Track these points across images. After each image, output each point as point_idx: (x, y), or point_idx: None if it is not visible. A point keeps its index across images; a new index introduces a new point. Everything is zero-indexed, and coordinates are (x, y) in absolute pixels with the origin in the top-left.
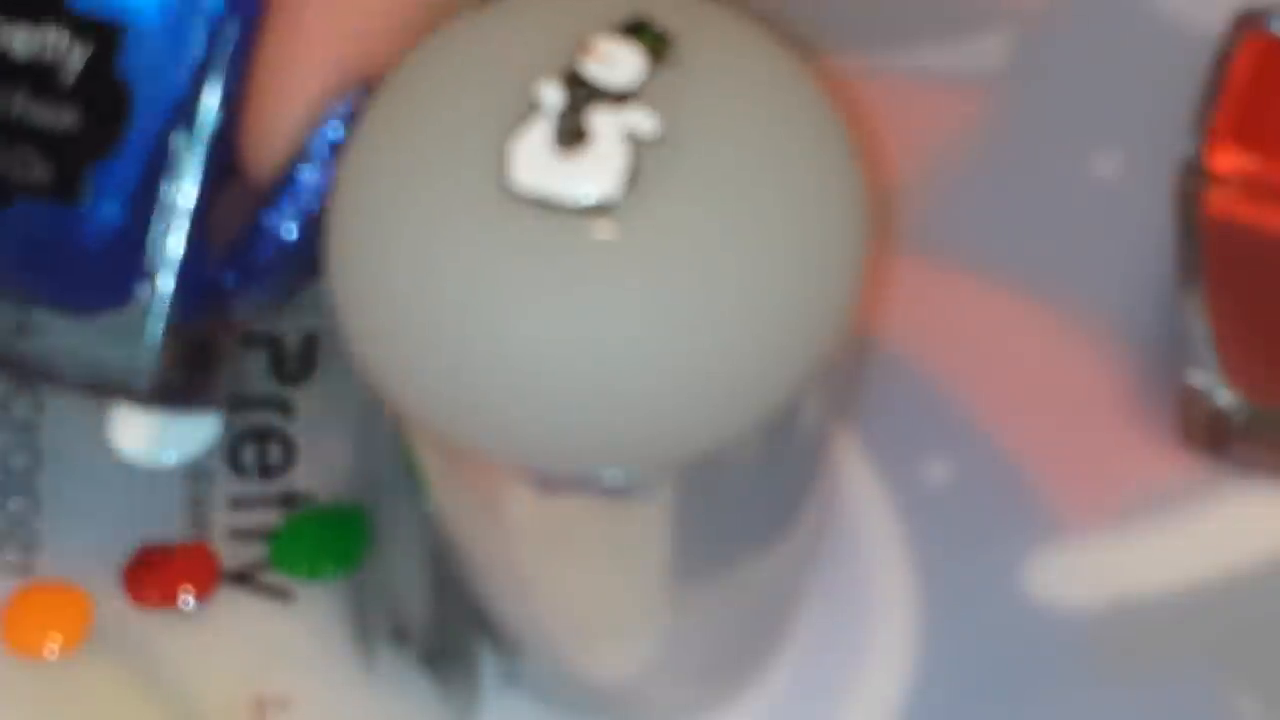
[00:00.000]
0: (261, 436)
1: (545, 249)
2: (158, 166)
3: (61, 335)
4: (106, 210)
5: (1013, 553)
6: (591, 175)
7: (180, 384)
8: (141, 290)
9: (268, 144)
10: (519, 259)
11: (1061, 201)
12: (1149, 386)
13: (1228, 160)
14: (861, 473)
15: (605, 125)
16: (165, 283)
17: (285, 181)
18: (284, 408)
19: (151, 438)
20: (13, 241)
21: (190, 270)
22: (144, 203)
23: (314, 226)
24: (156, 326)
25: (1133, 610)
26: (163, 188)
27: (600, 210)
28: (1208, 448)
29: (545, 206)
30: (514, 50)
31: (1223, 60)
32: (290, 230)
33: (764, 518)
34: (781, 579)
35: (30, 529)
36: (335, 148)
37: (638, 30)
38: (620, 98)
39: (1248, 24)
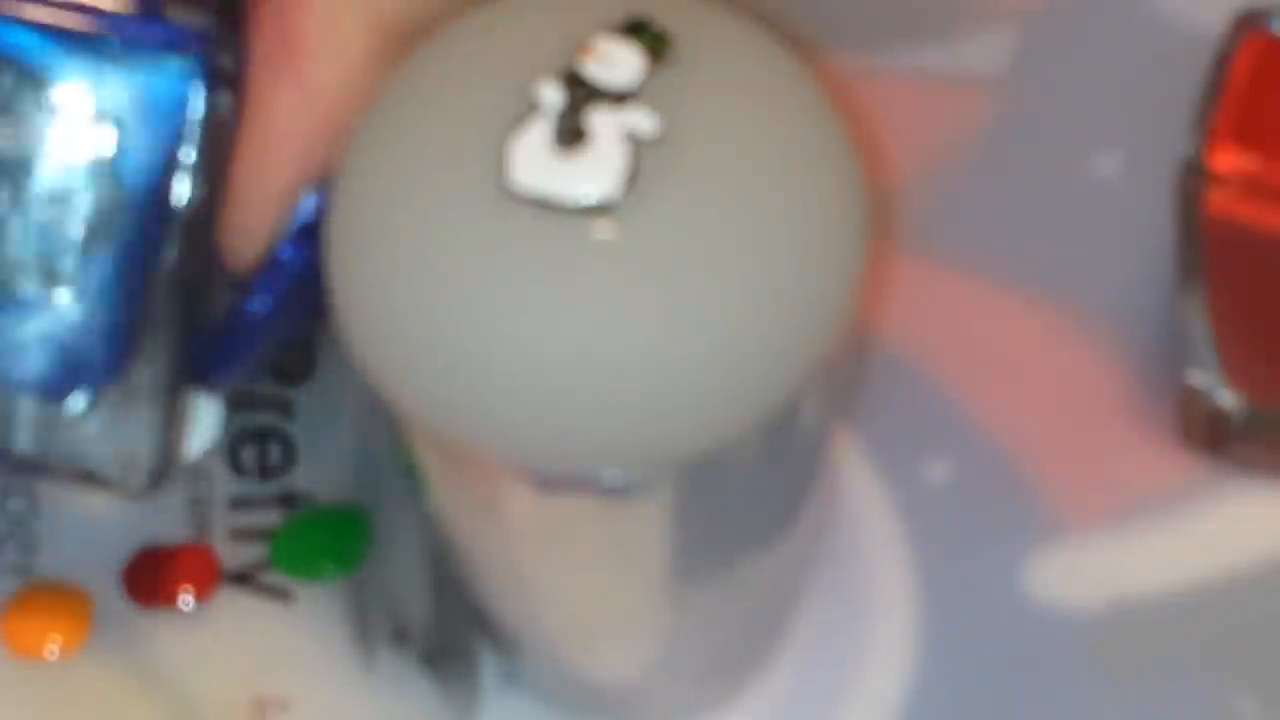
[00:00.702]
0: (261, 436)
1: (545, 249)
2: (140, 257)
3: (53, 429)
4: (93, 300)
5: (1013, 553)
6: (591, 175)
7: (168, 464)
8: (128, 379)
9: (245, 236)
10: (519, 259)
11: (1061, 201)
12: (1149, 386)
13: (1228, 160)
14: (861, 473)
15: (605, 125)
16: (152, 370)
17: (263, 266)
18: (284, 408)
19: None
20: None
21: (175, 355)
22: (130, 292)
23: (288, 302)
24: (148, 414)
25: (1133, 610)
26: (147, 278)
27: (600, 210)
28: (1208, 448)
29: (545, 206)
30: (514, 50)
31: (1223, 60)
32: (267, 309)
33: (764, 518)
34: (781, 579)
35: (30, 529)
36: (308, 229)
37: (637, 30)
38: (620, 98)
39: (1248, 24)
